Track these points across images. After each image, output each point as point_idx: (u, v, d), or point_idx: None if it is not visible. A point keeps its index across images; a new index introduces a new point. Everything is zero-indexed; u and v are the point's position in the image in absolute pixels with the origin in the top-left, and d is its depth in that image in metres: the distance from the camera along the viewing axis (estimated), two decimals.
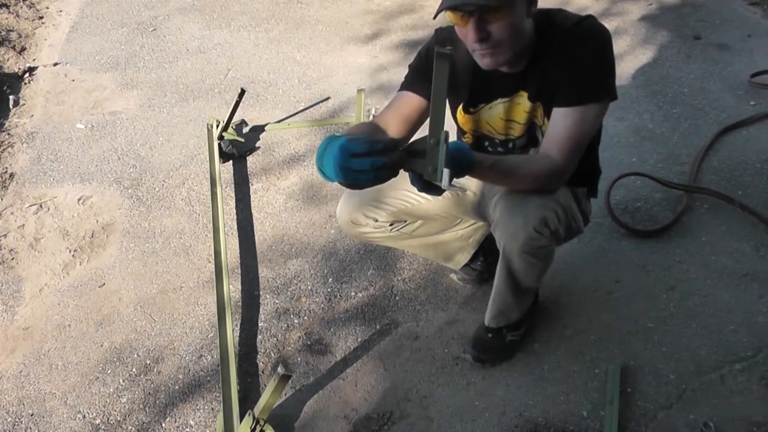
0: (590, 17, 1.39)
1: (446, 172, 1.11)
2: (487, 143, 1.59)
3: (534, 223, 1.42)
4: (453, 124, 1.61)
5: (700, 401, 1.68)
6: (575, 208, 1.54)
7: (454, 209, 1.72)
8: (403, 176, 1.25)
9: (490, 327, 1.78)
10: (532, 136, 1.54)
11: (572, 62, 1.35)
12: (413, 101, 1.51)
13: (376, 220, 1.68)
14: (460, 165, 1.22)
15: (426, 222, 1.76)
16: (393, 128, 1.50)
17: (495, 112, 1.51)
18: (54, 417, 1.76)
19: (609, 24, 3.40)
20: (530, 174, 1.39)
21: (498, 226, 1.49)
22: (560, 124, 1.38)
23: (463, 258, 1.93)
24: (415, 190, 1.22)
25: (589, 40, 1.36)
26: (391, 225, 1.71)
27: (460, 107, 1.55)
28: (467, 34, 1.32)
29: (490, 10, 1.27)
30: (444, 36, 1.50)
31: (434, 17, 1.32)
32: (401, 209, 1.67)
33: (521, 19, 1.32)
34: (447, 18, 1.34)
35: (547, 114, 1.44)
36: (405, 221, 1.73)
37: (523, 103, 1.47)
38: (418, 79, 1.51)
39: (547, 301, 1.95)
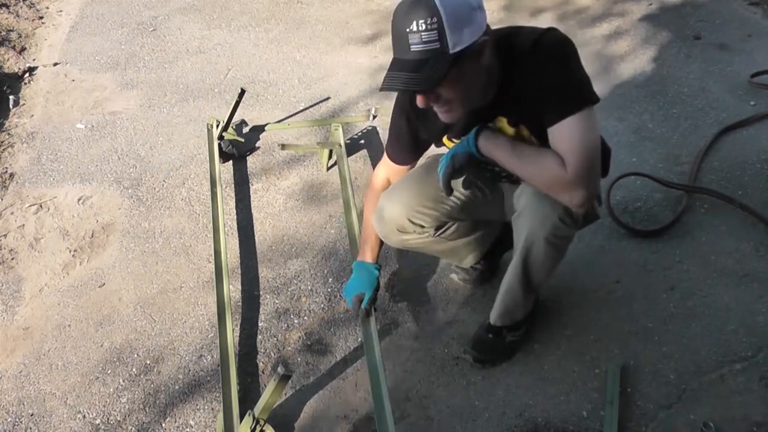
0: (549, 31, 1.37)
1: None
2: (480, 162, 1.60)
3: (560, 211, 1.45)
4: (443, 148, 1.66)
5: (700, 401, 1.68)
6: None
7: (478, 208, 1.74)
8: (435, 184, 1.56)
9: (492, 327, 1.78)
10: None
11: (540, 82, 1.35)
12: (399, 168, 1.74)
13: (423, 227, 1.72)
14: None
15: (459, 226, 1.80)
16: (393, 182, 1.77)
17: None
18: (54, 417, 1.76)
19: (609, 24, 3.41)
20: (540, 174, 1.41)
21: (524, 213, 1.51)
22: (554, 142, 1.38)
23: (474, 258, 1.95)
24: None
25: (552, 58, 1.35)
26: (435, 230, 1.75)
27: (445, 137, 1.59)
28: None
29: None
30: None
31: (380, 90, 1.34)
32: (443, 212, 1.70)
33: (472, 73, 1.33)
34: None
35: (534, 132, 1.45)
36: (446, 225, 1.76)
37: (504, 127, 1.48)
38: (394, 145, 1.70)
39: (547, 301, 1.95)
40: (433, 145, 1.68)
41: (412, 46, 1.26)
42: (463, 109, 1.39)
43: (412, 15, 1.24)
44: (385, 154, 1.76)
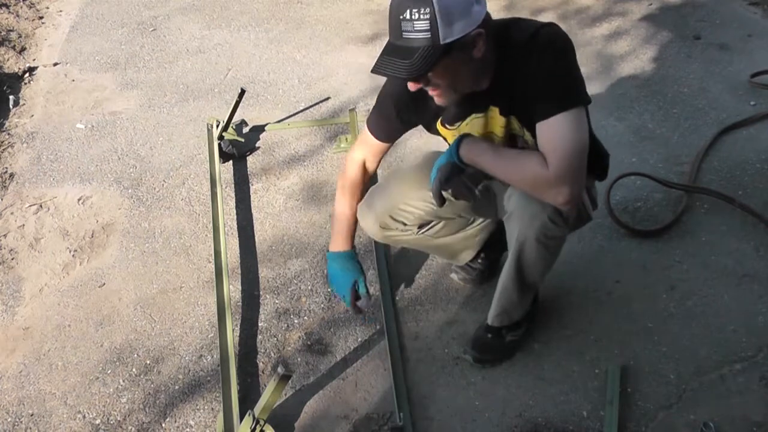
0: (547, 26, 1.37)
1: None
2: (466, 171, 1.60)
3: (549, 211, 1.45)
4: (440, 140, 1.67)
5: (700, 401, 1.68)
6: (584, 195, 1.57)
7: (468, 208, 1.74)
8: (421, 183, 1.59)
9: (491, 327, 1.78)
10: (514, 146, 1.54)
11: (533, 77, 1.35)
12: (380, 145, 1.70)
13: (404, 224, 1.74)
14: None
15: (447, 223, 1.80)
16: (369, 165, 1.74)
17: (473, 127, 1.53)
18: (54, 417, 1.76)
19: (609, 24, 3.41)
20: (522, 175, 1.41)
21: (514, 214, 1.51)
22: (540, 139, 1.38)
23: (468, 255, 1.95)
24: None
25: (547, 52, 1.34)
26: (419, 228, 1.77)
27: (438, 122, 1.59)
28: None
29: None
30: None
31: (371, 71, 1.35)
32: (426, 211, 1.70)
33: (462, 63, 1.34)
34: None
35: (525, 125, 1.45)
36: (430, 223, 1.77)
37: (496, 117, 1.49)
38: (379, 122, 1.66)
39: (547, 301, 1.95)
40: (426, 139, 1.68)
41: (404, 33, 1.29)
42: (453, 95, 1.41)
43: (406, 2, 1.27)
44: (364, 131, 1.69)
